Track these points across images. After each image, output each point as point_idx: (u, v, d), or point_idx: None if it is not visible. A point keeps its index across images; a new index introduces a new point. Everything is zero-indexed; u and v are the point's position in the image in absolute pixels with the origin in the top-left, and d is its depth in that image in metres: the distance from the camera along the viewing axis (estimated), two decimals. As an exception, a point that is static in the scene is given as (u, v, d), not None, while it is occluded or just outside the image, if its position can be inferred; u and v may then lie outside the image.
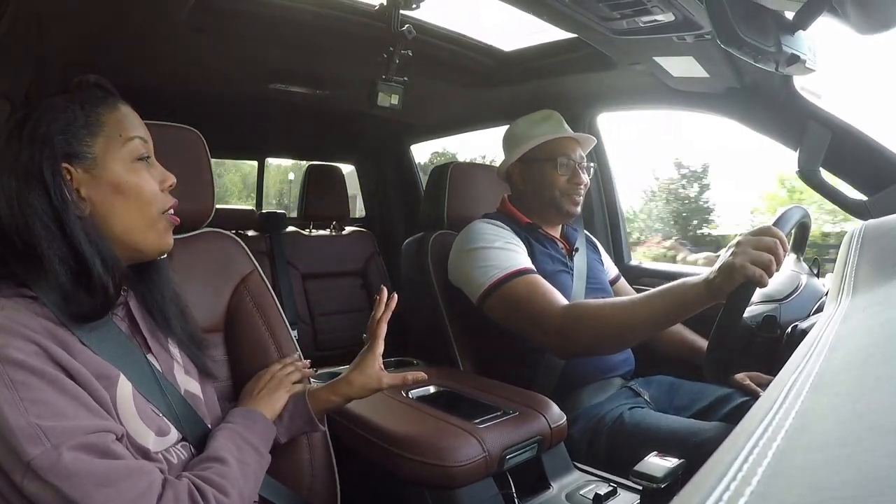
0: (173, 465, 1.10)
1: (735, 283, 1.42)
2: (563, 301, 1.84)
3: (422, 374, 1.41)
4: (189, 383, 1.24)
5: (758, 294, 1.72)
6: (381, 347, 1.43)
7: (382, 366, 1.41)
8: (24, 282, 0.98)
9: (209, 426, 1.24)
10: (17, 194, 0.99)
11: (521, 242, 2.05)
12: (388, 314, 1.44)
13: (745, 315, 1.62)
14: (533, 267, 1.95)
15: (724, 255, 1.48)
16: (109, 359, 1.03)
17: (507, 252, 1.95)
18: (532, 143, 2.17)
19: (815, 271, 2.01)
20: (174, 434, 1.13)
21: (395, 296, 1.46)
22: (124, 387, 1.04)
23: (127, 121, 1.12)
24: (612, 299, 1.80)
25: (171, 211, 1.17)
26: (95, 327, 1.04)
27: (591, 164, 2.28)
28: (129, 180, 1.08)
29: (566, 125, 2.24)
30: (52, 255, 0.98)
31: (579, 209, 2.19)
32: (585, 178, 2.17)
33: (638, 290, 2.50)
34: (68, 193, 1.02)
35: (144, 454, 1.02)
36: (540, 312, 1.81)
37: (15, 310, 0.93)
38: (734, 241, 1.48)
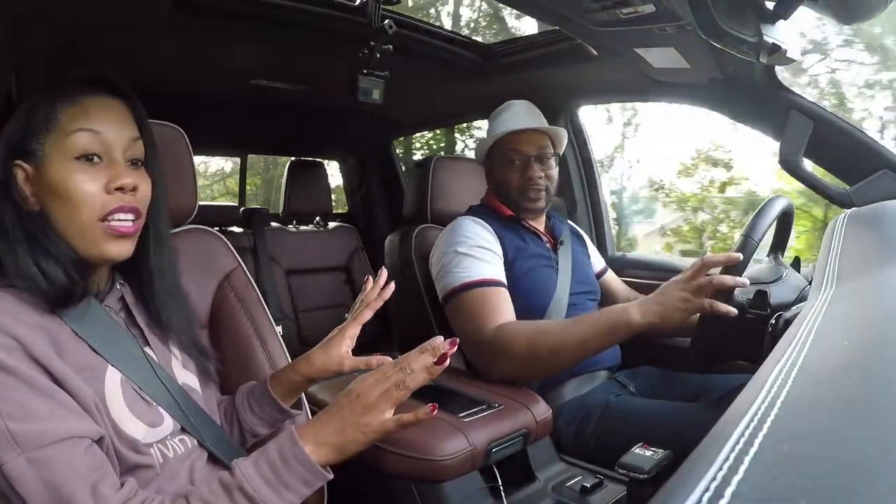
0: (169, 459, 1.09)
1: (683, 315, 1.53)
2: (503, 320, 1.83)
3: (387, 358, 1.20)
4: (186, 377, 1.23)
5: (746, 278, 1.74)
6: (355, 331, 1.31)
7: (351, 351, 1.30)
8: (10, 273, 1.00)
9: (212, 418, 1.24)
10: None
11: (497, 245, 2.03)
12: (380, 302, 1.32)
13: (735, 292, 1.63)
14: (496, 278, 1.93)
15: (669, 287, 1.56)
16: (101, 348, 1.04)
17: (474, 260, 1.93)
18: (492, 139, 2.16)
19: (797, 269, 2.02)
20: (169, 425, 1.12)
21: (392, 285, 1.34)
22: (112, 377, 1.04)
23: (80, 114, 1.05)
24: (543, 322, 1.83)
25: (119, 216, 1.06)
26: (86, 317, 1.04)
27: (554, 155, 2.21)
28: (62, 180, 1.02)
29: (528, 115, 2.20)
30: (5, 248, 1.00)
31: (541, 203, 2.14)
32: (538, 171, 2.11)
33: (624, 282, 2.52)
34: (15, 191, 1.02)
35: (133, 446, 1.02)
36: (475, 329, 1.82)
37: (3, 301, 0.95)
38: (675, 281, 1.56)
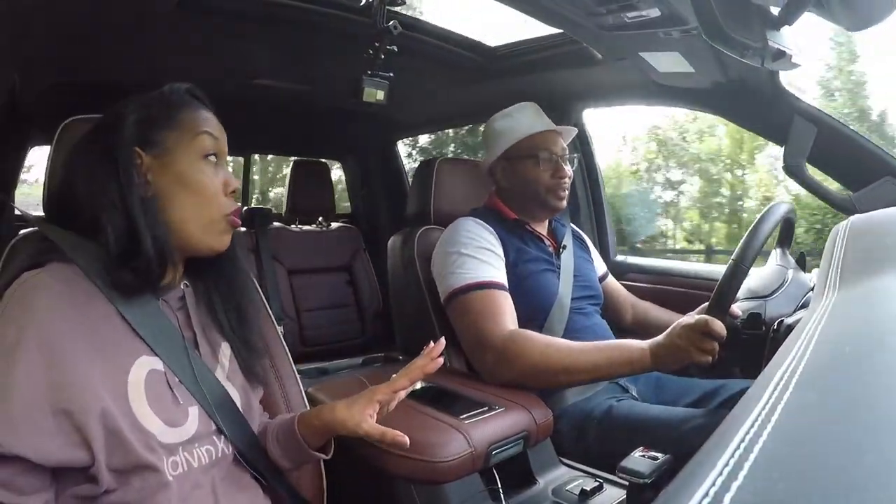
0: (194, 468, 1.10)
1: (679, 365, 1.58)
2: (512, 325, 1.84)
3: (405, 440, 1.18)
4: (228, 388, 1.23)
5: (743, 290, 1.75)
6: (385, 398, 1.22)
7: (375, 413, 1.21)
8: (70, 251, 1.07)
9: (252, 428, 1.26)
10: (93, 170, 1.09)
11: (500, 247, 2.03)
12: (421, 374, 1.23)
13: (730, 310, 1.64)
14: (499, 280, 1.94)
15: (673, 333, 1.59)
16: (145, 336, 1.09)
17: (477, 261, 1.94)
18: (512, 139, 2.15)
19: (802, 265, 2.01)
20: (191, 428, 1.12)
21: (440, 360, 1.24)
22: (140, 367, 1.07)
23: (202, 120, 1.19)
24: (558, 339, 1.82)
25: (235, 216, 1.21)
26: (138, 303, 1.10)
27: (575, 155, 2.26)
28: (193, 174, 1.15)
29: (544, 117, 2.22)
30: (109, 225, 1.05)
31: (565, 203, 2.17)
32: (569, 170, 2.15)
33: (625, 286, 2.52)
34: (135, 175, 1.11)
35: (146, 441, 1.03)
36: (484, 331, 1.82)
37: (49, 279, 1.04)
38: (682, 326, 1.58)
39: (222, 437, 1.18)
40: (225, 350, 1.28)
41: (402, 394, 1.25)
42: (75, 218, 1.10)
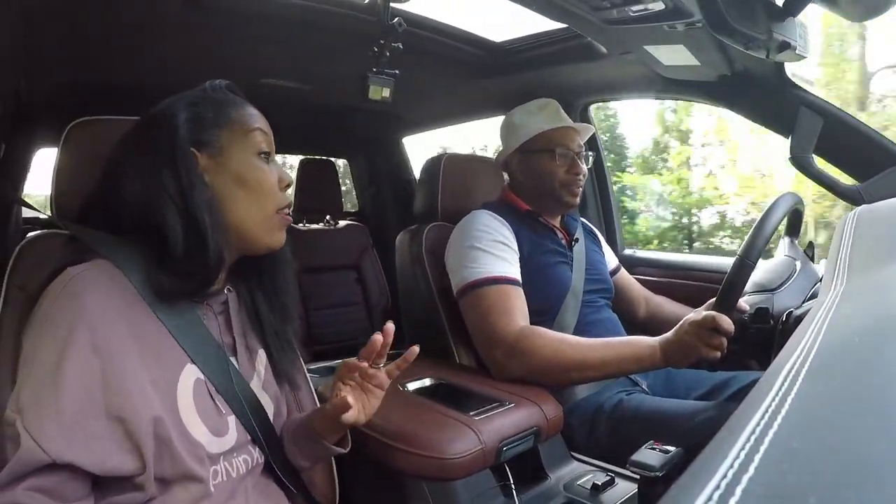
0: (232, 477, 1.11)
1: (689, 361, 1.59)
2: (524, 322, 1.85)
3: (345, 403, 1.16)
4: (262, 397, 1.23)
5: (751, 283, 1.74)
6: (351, 368, 1.27)
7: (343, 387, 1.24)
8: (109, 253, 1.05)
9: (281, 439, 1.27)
10: (149, 172, 1.06)
11: (514, 240, 2.04)
12: (379, 340, 1.26)
13: (738, 305, 1.64)
14: (513, 276, 1.94)
15: (681, 329, 1.61)
16: (185, 344, 1.07)
17: (491, 256, 1.94)
18: (530, 133, 2.16)
19: (810, 255, 2.01)
20: (232, 438, 1.12)
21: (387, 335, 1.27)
22: (188, 375, 1.06)
23: (252, 117, 1.19)
24: (568, 336, 1.82)
25: (288, 211, 1.20)
26: (178, 310, 1.08)
27: (590, 153, 2.26)
28: (250, 172, 1.14)
29: (563, 114, 2.22)
30: (175, 227, 1.04)
31: (578, 200, 2.17)
32: (584, 167, 2.16)
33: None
34: (195, 175, 1.09)
35: (195, 450, 1.03)
36: (496, 326, 1.83)
37: (97, 275, 1.01)
38: (690, 322, 1.59)
39: (257, 447, 1.19)
40: (261, 358, 1.28)
41: (396, 371, 1.31)
42: (112, 220, 1.08)
